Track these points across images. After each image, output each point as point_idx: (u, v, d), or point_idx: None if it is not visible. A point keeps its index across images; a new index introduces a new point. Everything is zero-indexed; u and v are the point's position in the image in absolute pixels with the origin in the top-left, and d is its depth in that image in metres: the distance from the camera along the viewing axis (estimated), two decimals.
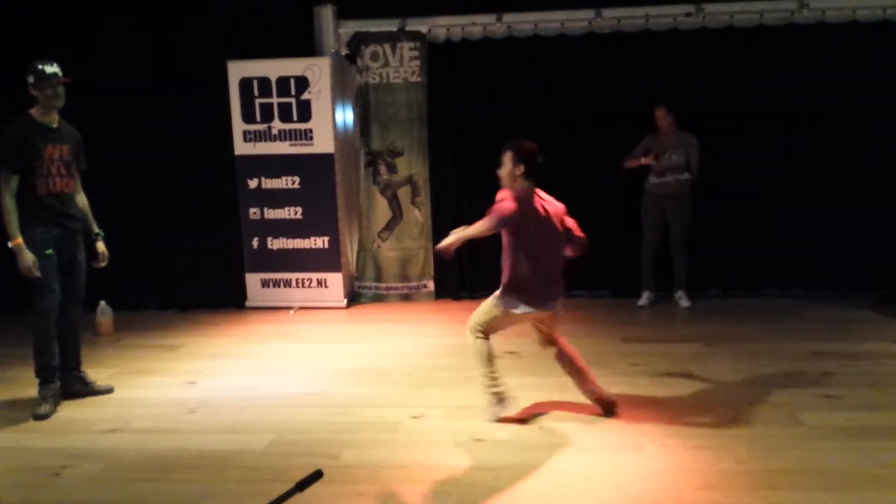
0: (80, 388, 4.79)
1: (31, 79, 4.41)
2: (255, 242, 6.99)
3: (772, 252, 6.79)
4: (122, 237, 6.11)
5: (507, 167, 4.12)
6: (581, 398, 4.34)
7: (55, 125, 4.53)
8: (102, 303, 6.22)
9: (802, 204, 6.73)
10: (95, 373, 5.16)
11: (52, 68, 4.41)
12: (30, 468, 3.82)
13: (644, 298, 6.64)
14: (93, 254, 4.80)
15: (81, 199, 4.78)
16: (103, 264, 4.84)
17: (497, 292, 4.15)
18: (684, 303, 6.56)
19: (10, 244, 4.31)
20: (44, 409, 4.49)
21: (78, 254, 4.68)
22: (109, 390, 4.88)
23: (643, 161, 6.39)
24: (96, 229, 4.84)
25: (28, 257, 4.30)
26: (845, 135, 6.65)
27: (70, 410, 4.58)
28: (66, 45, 6.60)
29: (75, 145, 4.65)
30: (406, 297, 7.21)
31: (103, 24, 6.75)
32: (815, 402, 4.31)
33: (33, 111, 4.46)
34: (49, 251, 4.44)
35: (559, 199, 4.31)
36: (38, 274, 4.35)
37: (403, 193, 7.13)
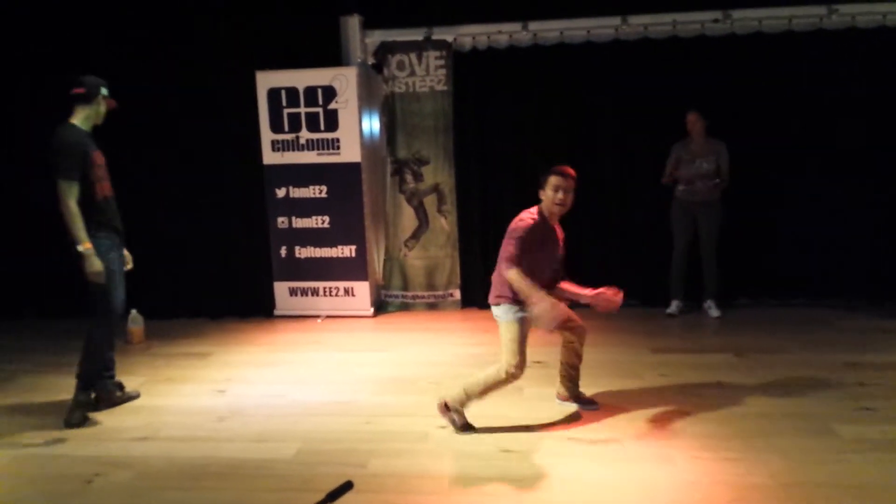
0: (118, 395, 4.87)
1: (105, 91, 4.59)
2: (283, 251, 7.05)
3: (803, 261, 6.70)
4: (152, 246, 6.20)
5: (572, 195, 4.19)
6: (614, 409, 4.31)
7: (90, 132, 4.64)
8: (134, 311, 6.29)
9: (834, 212, 6.63)
10: (127, 381, 5.22)
11: (106, 88, 4.60)
12: (63, 475, 3.87)
13: (673, 307, 6.59)
14: None
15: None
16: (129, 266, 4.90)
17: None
18: (714, 312, 6.49)
19: (79, 248, 4.36)
20: (76, 416, 4.55)
21: (124, 258, 4.80)
22: (137, 395, 4.98)
23: (668, 178, 6.44)
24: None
25: (97, 263, 4.39)
26: (879, 141, 6.54)
27: (102, 418, 4.63)
28: (95, 56, 6.69)
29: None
30: (432, 306, 7.21)
31: (132, 36, 6.85)
32: (849, 415, 4.24)
33: (77, 121, 4.54)
34: (113, 254, 4.56)
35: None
36: (103, 280, 4.43)
37: (430, 202, 7.15)
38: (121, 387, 4.92)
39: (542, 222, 4.15)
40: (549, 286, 4.20)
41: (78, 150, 4.40)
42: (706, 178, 6.32)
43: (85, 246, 4.36)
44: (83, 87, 4.53)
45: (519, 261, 3.95)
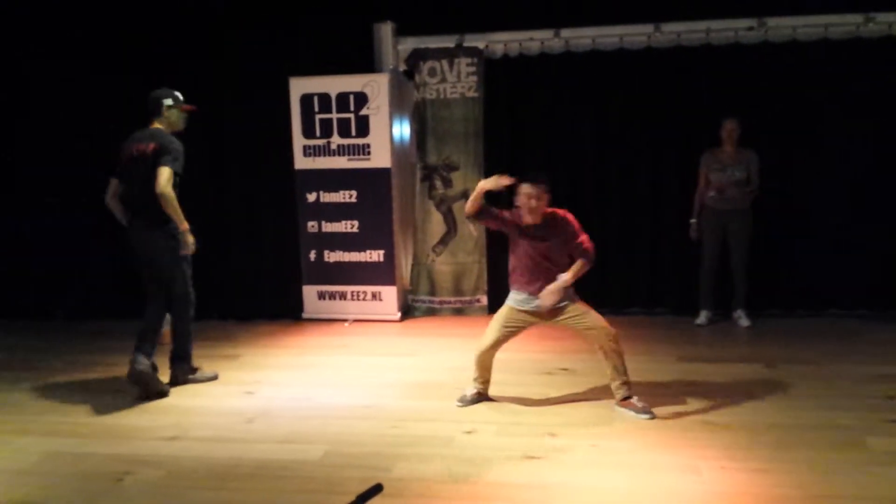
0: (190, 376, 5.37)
1: (170, 101, 5.10)
2: (312, 255, 7.11)
3: (835, 271, 6.61)
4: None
5: (544, 200, 4.45)
6: (640, 421, 4.32)
7: None
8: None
9: (867, 221, 6.54)
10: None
11: (171, 98, 5.11)
12: (94, 473, 3.94)
13: (702, 317, 6.54)
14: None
15: None
16: None
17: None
18: (744, 322, 6.43)
19: (182, 228, 5.02)
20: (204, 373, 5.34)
21: None
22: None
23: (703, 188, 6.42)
24: None
25: (190, 238, 5.07)
26: None
27: (133, 417, 4.72)
28: (130, 61, 6.84)
29: None
30: (459, 312, 7.23)
31: (166, 43, 6.95)
32: (880, 427, 4.18)
33: (162, 127, 5.07)
34: (186, 252, 5.16)
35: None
36: (192, 243, 5.10)
37: (458, 208, 7.16)
38: (193, 368, 5.39)
39: (517, 220, 4.51)
40: (538, 279, 4.50)
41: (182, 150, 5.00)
42: (738, 186, 6.27)
43: (184, 227, 5.01)
44: (148, 103, 5.07)
45: (484, 209, 4.59)
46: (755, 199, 6.33)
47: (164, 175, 4.85)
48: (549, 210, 4.49)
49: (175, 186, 4.95)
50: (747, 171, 6.28)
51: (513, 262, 4.63)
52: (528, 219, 4.46)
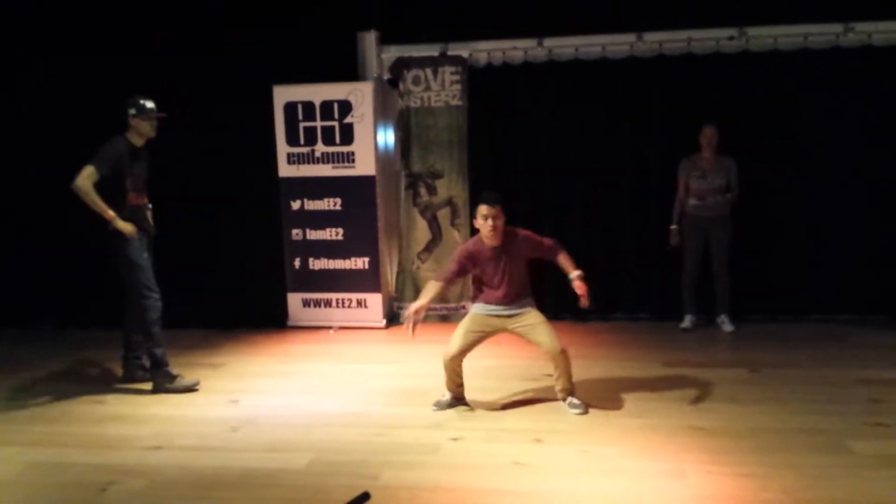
0: (140, 375, 5.50)
1: (133, 111, 5.14)
2: (296, 262, 7.09)
3: (817, 276, 6.68)
4: (168, 257, 6.21)
5: (502, 219, 4.55)
6: (626, 424, 4.31)
7: (141, 147, 5.26)
8: None
9: (848, 226, 6.63)
10: (140, 389, 5.30)
11: (150, 103, 5.19)
12: (77, 483, 3.89)
13: (687, 321, 6.58)
14: None
15: None
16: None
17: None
18: (727, 327, 6.48)
19: (108, 216, 5.03)
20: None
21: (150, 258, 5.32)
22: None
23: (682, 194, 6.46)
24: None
25: (123, 225, 5.04)
26: (892, 158, 6.53)
27: (116, 427, 4.67)
28: (114, 69, 6.81)
29: (149, 164, 5.32)
30: (445, 319, 7.22)
31: (149, 49, 6.93)
32: (864, 430, 4.22)
33: (130, 136, 5.17)
34: (145, 254, 5.20)
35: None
36: (129, 229, 5.07)
37: (443, 215, 7.18)
38: (144, 367, 5.47)
39: (479, 247, 4.64)
40: (510, 296, 4.66)
41: (115, 154, 5.05)
42: (718, 193, 6.32)
43: (109, 216, 5.02)
44: (128, 108, 5.16)
45: (447, 277, 4.72)
46: (735, 206, 6.38)
47: (83, 171, 4.95)
48: (508, 229, 4.62)
49: (97, 186, 4.98)
50: (727, 177, 6.34)
51: (480, 283, 4.80)
52: (491, 241, 4.58)
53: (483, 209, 4.51)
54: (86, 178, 4.96)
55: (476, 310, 4.77)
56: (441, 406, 4.77)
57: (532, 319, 4.66)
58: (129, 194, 5.15)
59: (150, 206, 5.38)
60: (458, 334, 4.71)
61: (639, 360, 5.70)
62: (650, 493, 3.57)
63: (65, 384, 5.46)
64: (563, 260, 4.67)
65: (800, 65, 6.54)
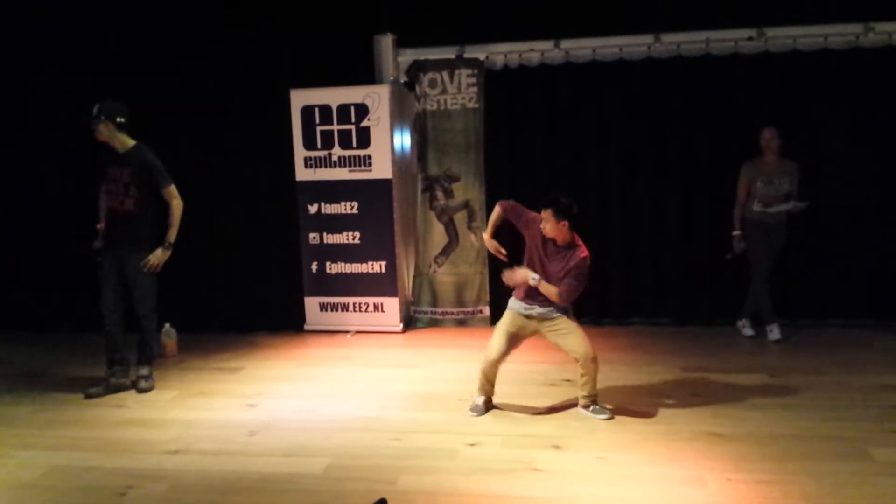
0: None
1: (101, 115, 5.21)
2: (314, 266, 7.10)
3: (839, 281, 6.60)
4: (186, 260, 6.27)
5: (551, 222, 4.53)
6: (645, 430, 4.28)
7: (124, 151, 5.26)
8: (167, 325, 6.38)
9: (868, 231, 6.54)
10: (160, 394, 5.37)
11: (93, 111, 5.22)
12: (97, 487, 3.92)
13: (776, 331, 6.28)
14: None
15: (172, 210, 5.42)
16: (146, 269, 5.34)
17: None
18: (748, 332, 6.40)
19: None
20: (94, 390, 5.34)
21: (128, 267, 5.30)
22: (147, 390, 5.47)
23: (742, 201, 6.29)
24: (168, 237, 5.39)
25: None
26: None
27: (135, 431, 4.70)
28: (133, 73, 6.86)
29: (139, 168, 5.27)
30: (462, 323, 7.21)
31: (167, 55, 6.98)
32: (885, 437, 4.17)
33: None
34: (99, 259, 5.33)
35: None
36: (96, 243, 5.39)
37: (460, 218, 7.16)
38: (125, 374, 5.52)
39: (539, 226, 4.60)
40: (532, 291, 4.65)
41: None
42: (781, 199, 6.14)
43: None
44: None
45: (508, 203, 4.82)
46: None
47: (173, 189, 5.42)
48: (572, 238, 4.57)
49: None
50: (791, 183, 6.16)
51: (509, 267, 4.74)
52: (550, 234, 4.55)
53: (546, 214, 4.51)
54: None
55: (512, 305, 4.75)
56: (480, 411, 4.75)
57: (565, 325, 4.63)
58: (104, 198, 5.39)
59: (140, 209, 5.33)
60: (498, 335, 4.72)
61: (658, 366, 5.66)
62: (669, 500, 3.55)
63: (83, 388, 5.48)
64: (550, 287, 4.51)
65: (820, 66, 6.45)
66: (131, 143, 5.31)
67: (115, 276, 5.33)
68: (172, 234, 5.37)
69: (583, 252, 4.52)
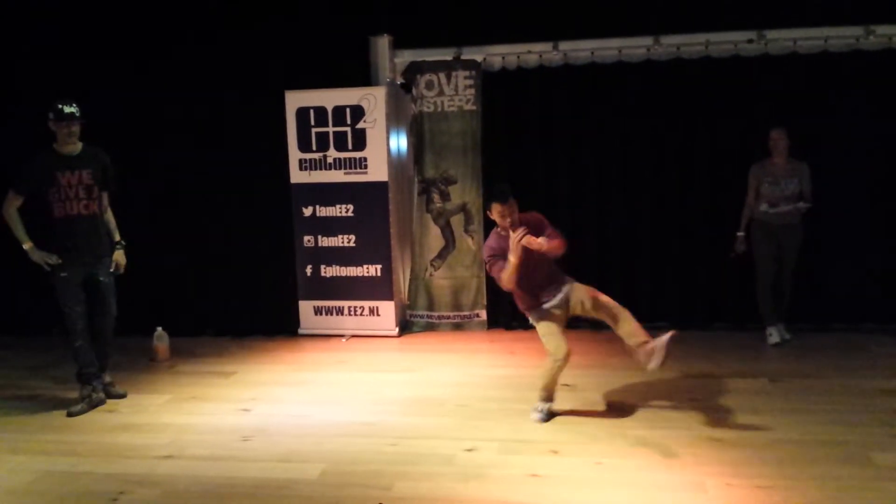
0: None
1: (51, 116, 4.93)
2: (308, 270, 7.04)
3: (840, 285, 6.55)
4: (179, 264, 6.23)
5: (516, 211, 4.54)
6: (644, 435, 4.23)
7: (76, 153, 5.04)
8: (159, 329, 6.32)
9: (870, 234, 6.50)
10: (151, 398, 5.30)
11: (69, 108, 4.94)
12: (88, 493, 3.87)
13: (775, 335, 6.25)
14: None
15: (108, 217, 5.28)
16: (119, 272, 5.28)
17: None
18: (776, 338, 6.27)
19: (24, 247, 4.98)
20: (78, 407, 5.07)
21: (99, 273, 5.13)
22: (123, 395, 5.37)
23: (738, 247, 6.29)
24: (117, 238, 5.30)
25: (36, 255, 4.98)
26: None
27: (128, 436, 4.64)
28: (126, 71, 6.81)
29: (98, 168, 5.11)
30: (458, 327, 7.16)
31: (162, 55, 6.93)
32: (886, 442, 4.13)
33: (55, 145, 5.00)
34: (63, 274, 5.00)
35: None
36: (50, 260, 4.98)
37: (456, 221, 7.11)
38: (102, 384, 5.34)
39: (502, 243, 4.51)
40: (549, 280, 4.65)
41: (36, 172, 4.96)
42: (790, 200, 6.11)
43: (27, 245, 5.00)
44: (48, 112, 4.96)
45: (495, 272, 4.57)
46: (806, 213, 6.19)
47: (7, 197, 5.01)
48: (521, 215, 4.57)
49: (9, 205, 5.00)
50: (800, 184, 6.12)
51: (521, 281, 4.56)
52: (511, 221, 4.52)
53: (497, 208, 4.48)
54: (8, 205, 4.98)
55: (546, 307, 4.61)
56: (546, 415, 4.64)
57: (581, 293, 4.59)
58: (54, 206, 4.95)
59: (100, 211, 5.17)
60: (554, 336, 4.53)
61: (658, 370, 5.60)
62: None
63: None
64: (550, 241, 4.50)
65: (820, 68, 6.42)
66: (80, 143, 5.08)
67: (81, 286, 5.09)
68: (118, 234, 5.31)
69: (531, 213, 4.63)
